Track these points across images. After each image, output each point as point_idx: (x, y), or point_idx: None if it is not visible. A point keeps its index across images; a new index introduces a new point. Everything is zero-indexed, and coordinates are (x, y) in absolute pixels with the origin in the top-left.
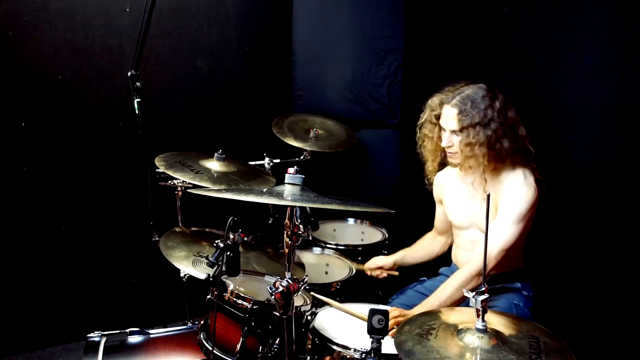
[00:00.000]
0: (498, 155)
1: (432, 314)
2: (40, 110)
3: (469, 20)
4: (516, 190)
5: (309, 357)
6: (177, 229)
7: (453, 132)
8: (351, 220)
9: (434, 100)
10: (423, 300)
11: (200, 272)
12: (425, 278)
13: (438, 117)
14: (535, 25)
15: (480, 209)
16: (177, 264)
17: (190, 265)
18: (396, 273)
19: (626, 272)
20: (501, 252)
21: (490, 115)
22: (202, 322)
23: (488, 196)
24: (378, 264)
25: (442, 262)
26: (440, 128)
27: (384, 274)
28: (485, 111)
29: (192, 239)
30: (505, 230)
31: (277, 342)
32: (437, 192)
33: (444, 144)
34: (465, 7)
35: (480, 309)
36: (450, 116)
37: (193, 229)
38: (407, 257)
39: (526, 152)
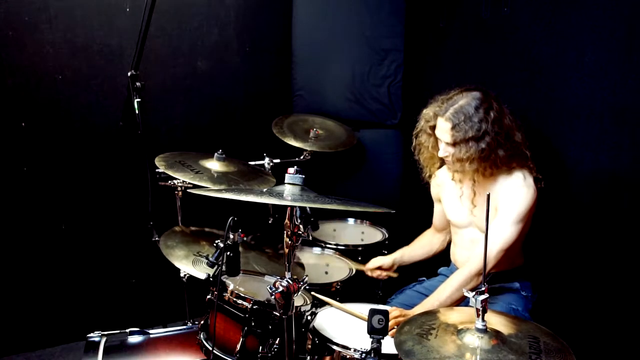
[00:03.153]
0: (493, 165)
1: (432, 314)
2: (40, 110)
3: (469, 20)
4: (516, 191)
5: (308, 357)
6: (177, 229)
7: (447, 144)
8: (351, 220)
9: (427, 112)
10: (422, 300)
11: (200, 271)
12: (424, 278)
13: (433, 128)
14: (535, 25)
15: (479, 208)
16: (177, 264)
17: (190, 265)
18: (395, 274)
19: (626, 271)
20: (500, 252)
21: (484, 128)
22: (202, 322)
23: (488, 196)
24: (377, 264)
25: (441, 262)
26: (437, 139)
27: (384, 275)
28: (480, 124)
29: (192, 239)
30: (504, 231)
31: (277, 342)
32: (436, 190)
33: (441, 154)
34: (465, 7)
35: (480, 308)
36: (444, 129)
37: (193, 228)
38: (406, 256)
39: (522, 156)
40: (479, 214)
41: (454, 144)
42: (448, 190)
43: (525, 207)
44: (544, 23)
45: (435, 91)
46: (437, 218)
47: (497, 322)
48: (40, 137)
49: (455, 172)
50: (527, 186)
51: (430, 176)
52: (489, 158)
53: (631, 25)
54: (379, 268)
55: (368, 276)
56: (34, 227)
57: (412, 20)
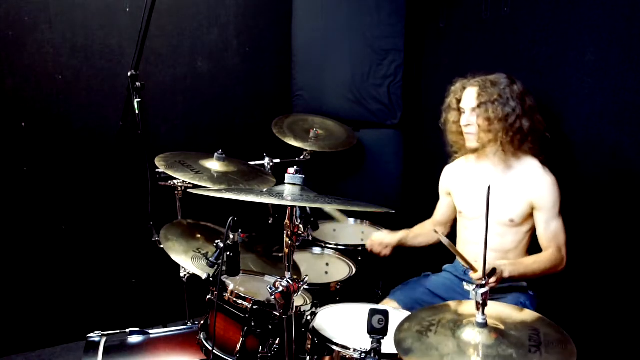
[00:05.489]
0: (518, 134)
1: (432, 310)
2: (40, 110)
3: (469, 20)
4: (545, 183)
5: (308, 357)
6: (177, 222)
7: (473, 110)
8: (351, 220)
9: (456, 86)
10: (428, 297)
11: (199, 268)
12: (429, 273)
13: (459, 102)
14: (535, 25)
15: (494, 198)
16: (175, 258)
17: (189, 260)
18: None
19: (626, 272)
20: (565, 247)
21: (508, 94)
22: (202, 322)
23: (488, 189)
24: (384, 240)
25: (446, 259)
26: (461, 112)
27: (387, 251)
28: (504, 90)
29: (190, 233)
30: (558, 225)
31: (277, 342)
32: (445, 184)
33: (462, 122)
34: (465, 7)
35: (481, 302)
36: (470, 95)
37: (190, 221)
38: (409, 239)
39: (543, 141)
40: (493, 204)
41: (479, 105)
42: (462, 179)
43: (559, 196)
44: (544, 23)
45: (435, 91)
46: (440, 212)
47: (497, 314)
48: (40, 137)
49: (481, 134)
50: (550, 175)
51: (455, 152)
52: (515, 125)
53: (631, 25)
54: (384, 246)
55: (368, 251)
56: (34, 227)
57: (412, 20)
